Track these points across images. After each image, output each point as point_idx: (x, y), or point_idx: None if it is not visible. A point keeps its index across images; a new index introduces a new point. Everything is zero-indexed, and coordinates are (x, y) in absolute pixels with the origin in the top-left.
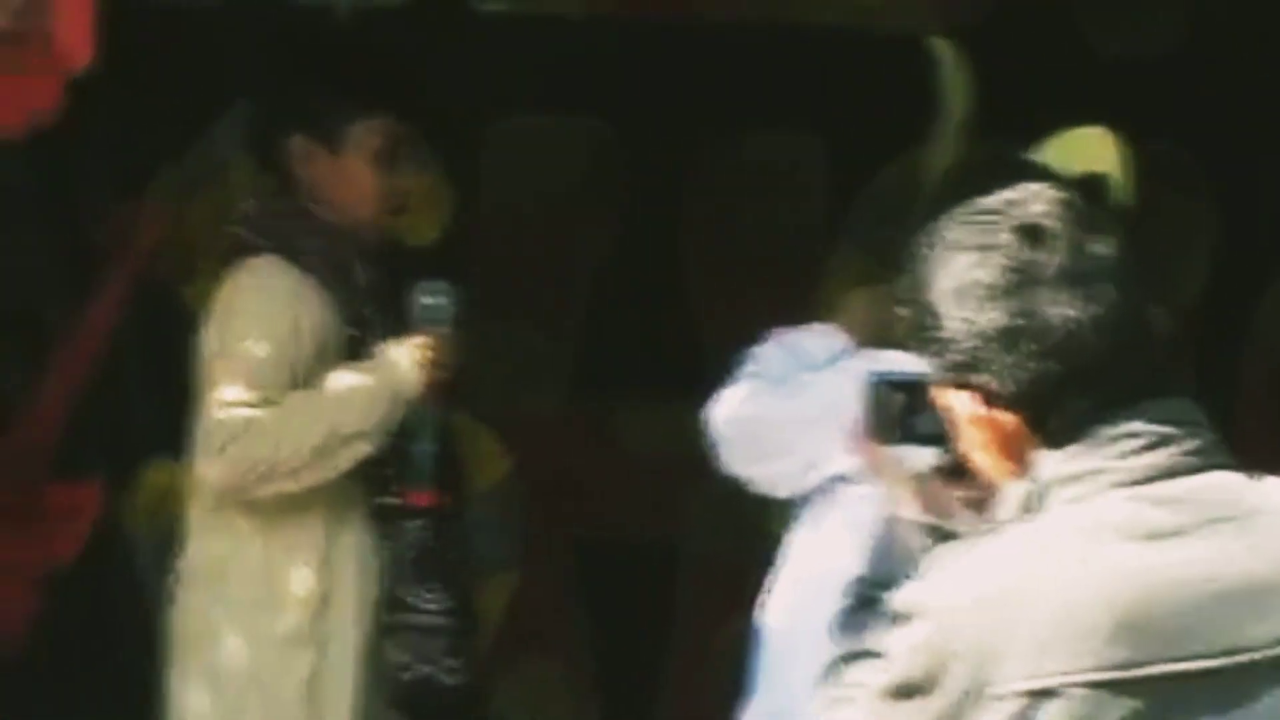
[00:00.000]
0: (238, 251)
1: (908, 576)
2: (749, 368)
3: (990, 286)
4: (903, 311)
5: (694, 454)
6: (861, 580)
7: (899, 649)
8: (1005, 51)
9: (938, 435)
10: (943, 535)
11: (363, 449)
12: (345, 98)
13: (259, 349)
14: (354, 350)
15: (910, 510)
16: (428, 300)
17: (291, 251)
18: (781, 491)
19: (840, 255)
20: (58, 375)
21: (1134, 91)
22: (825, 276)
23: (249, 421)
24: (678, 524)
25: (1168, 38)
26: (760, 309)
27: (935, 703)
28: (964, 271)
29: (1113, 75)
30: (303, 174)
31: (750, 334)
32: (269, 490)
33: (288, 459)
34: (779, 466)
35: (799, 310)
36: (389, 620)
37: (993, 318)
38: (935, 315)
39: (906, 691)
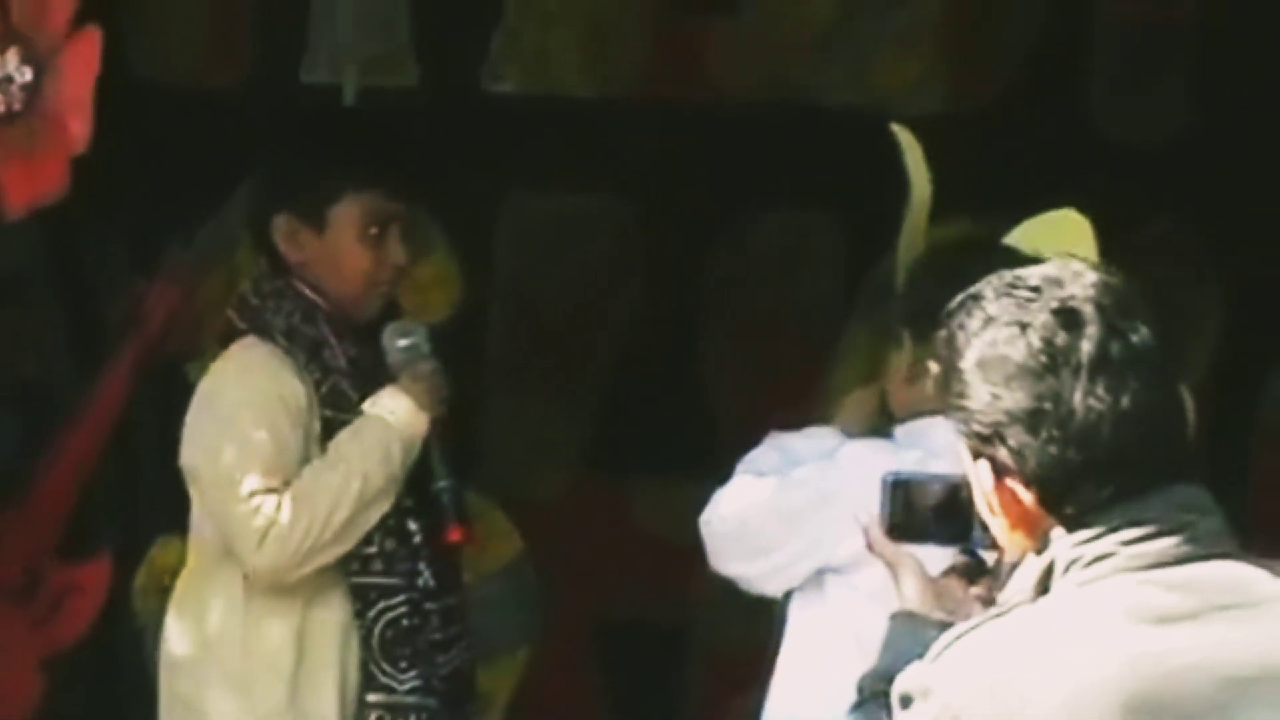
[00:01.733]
0: (227, 335)
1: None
2: (740, 468)
3: (1020, 365)
4: (934, 368)
5: None
6: (873, 675)
7: None
8: (1014, 134)
9: (956, 535)
10: None
11: (385, 505)
12: (329, 175)
13: (258, 434)
14: (332, 432)
15: (925, 607)
16: (404, 341)
17: (268, 333)
18: (771, 589)
19: (848, 336)
20: (67, 453)
21: (1139, 174)
22: (833, 361)
23: (282, 505)
24: (690, 605)
25: (1172, 121)
26: (778, 389)
27: None
28: (996, 345)
29: (1119, 157)
30: (289, 253)
31: (767, 414)
32: (314, 566)
33: (323, 530)
34: (768, 562)
35: (816, 391)
36: (366, 699)
37: (1018, 398)
38: (964, 383)
39: None
